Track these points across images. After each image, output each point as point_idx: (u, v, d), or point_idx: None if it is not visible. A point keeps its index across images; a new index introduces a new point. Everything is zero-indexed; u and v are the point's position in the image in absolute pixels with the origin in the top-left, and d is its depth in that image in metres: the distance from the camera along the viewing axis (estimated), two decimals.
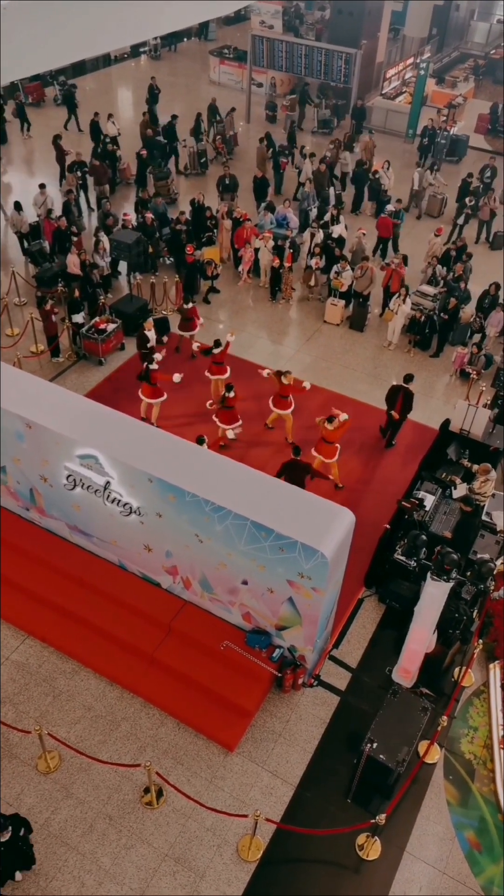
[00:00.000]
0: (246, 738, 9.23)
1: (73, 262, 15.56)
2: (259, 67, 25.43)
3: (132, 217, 17.30)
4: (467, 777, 9.10)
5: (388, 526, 10.97)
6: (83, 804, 8.57)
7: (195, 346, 13.78)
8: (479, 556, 10.63)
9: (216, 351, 13.05)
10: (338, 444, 11.83)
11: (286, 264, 16.43)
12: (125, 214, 17.30)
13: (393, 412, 12.82)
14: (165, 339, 14.30)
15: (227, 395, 12.23)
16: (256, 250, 16.81)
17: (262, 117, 25.35)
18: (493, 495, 11.51)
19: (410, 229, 19.00)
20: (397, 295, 15.24)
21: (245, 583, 9.18)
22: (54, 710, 9.37)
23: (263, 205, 18.44)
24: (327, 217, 17.92)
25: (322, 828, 8.44)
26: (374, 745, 8.33)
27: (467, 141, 23.72)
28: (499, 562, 10.52)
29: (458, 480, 11.59)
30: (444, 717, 8.85)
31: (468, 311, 15.65)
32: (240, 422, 12.76)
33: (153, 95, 23.60)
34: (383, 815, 7.85)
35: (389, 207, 18.27)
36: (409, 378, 12.63)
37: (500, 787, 8.95)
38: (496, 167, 20.44)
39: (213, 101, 23.32)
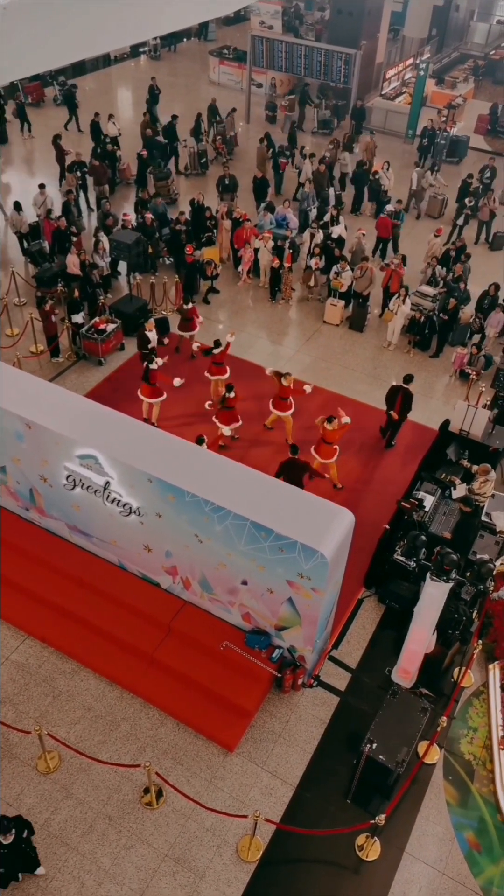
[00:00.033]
0: (245, 738, 9.23)
1: (72, 263, 15.57)
2: (259, 68, 25.42)
3: (132, 217, 17.30)
4: (467, 778, 9.10)
5: (387, 526, 10.98)
6: (83, 804, 8.57)
7: (195, 346, 13.79)
8: (478, 556, 10.63)
9: (216, 351, 13.05)
10: (336, 446, 11.84)
11: (286, 265, 16.43)
12: (125, 214, 17.31)
13: (392, 412, 12.83)
14: (166, 340, 14.31)
15: (227, 395, 12.23)
16: (256, 250, 16.82)
17: (262, 118, 25.35)
18: (493, 496, 11.52)
19: (410, 230, 19.01)
20: (397, 295, 15.24)
21: (245, 583, 9.18)
22: (54, 711, 9.37)
23: (263, 205, 18.45)
24: (327, 217, 17.93)
25: (322, 828, 8.44)
26: (374, 745, 8.34)
27: (468, 142, 23.72)
28: (498, 562, 10.52)
29: (457, 481, 11.60)
30: (444, 718, 8.86)
31: (468, 311, 15.66)
32: (240, 422, 12.77)
33: (153, 96, 23.60)
34: (383, 816, 7.85)
35: (389, 208, 18.27)
36: (408, 378, 12.63)
37: (499, 787, 8.96)
38: (496, 168, 20.45)
39: (213, 101, 23.33)
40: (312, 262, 16.48)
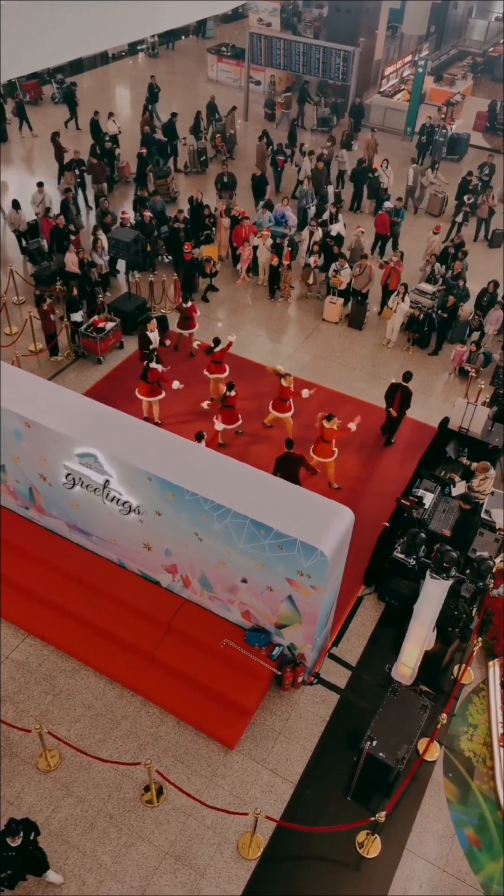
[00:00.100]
0: (246, 736, 9.24)
1: (71, 261, 15.55)
2: (257, 65, 25.38)
3: (130, 215, 17.30)
4: (467, 775, 9.12)
5: (387, 524, 10.98)
6: (83, 802, 8.58)
7: (196, 344, 13.78)
8: (478, 553, 10.63)
9: (218, 349, 13.05)
10: (335, 447, 11.83)
11: (285, 262, 16.41)
12: (123, 213, 17.30)
13: (391, 410, 12.83)
14: (168, 342, 14.30)
15: (228, 393, 12.23)
16: (255, 248, 16.81)
17: (261, 115, 25.31)
18: (492, 493, 11.52)
19: (409, 227, 18.98)
20: (396, 293, 15.23)
21: (244, 581, 9.19)
22: (54, 709, 9.38)
23: (262, 203, 18.44)
24: (326, 215, 17.92)
25: (322, 825, 8.45)
26: (374, 742, 8.35)
27: (468, 139, 23.70)
28: (498, 559, 10.53)
29: (457, 478, 11.60)
30: (444, 715, 8.86)
31: (467, 308, 15.66)
32: (240, 421, 12.78)
33: (153, 94, 23.57)
34: (383, 813, 7.86)
35: (388, 205, 18.25)
36: (407, 376, 12.63)
37: (499, 784, 8.97)
38: (494, 165, 20.43)
39: (212, 99, 23.30)
40: (311, 260, 16.46)
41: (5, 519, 11.02)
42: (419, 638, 9.31)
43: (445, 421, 12.99)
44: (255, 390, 13.67)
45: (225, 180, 19.14)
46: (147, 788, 8.63)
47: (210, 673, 9.47)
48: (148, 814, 8.54)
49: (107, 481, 9.43)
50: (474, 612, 10.14)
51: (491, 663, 10.14)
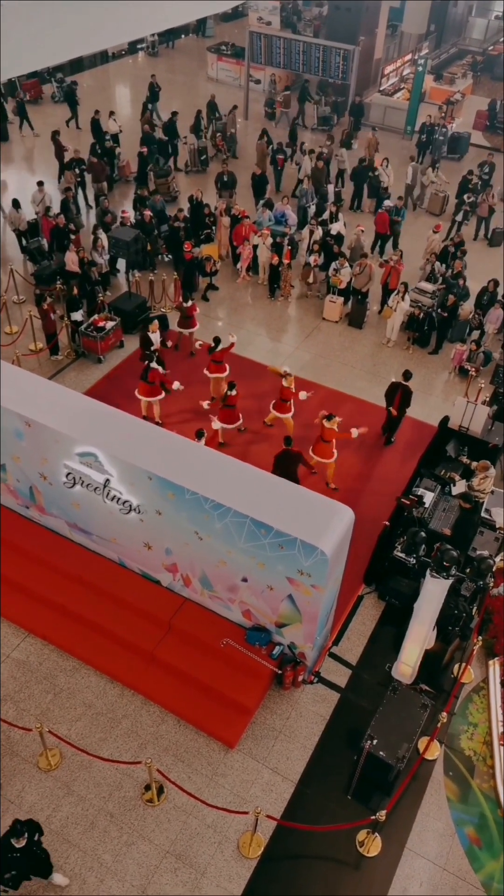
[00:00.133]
0: (246, 735, 9.24)
1: (71, 260, 15.55)
2: (257, 64, 25.37)
3: (130, 214, 17.30)
4: (467, 773, 9.12)
5: (387, 523, 10.99)
6: (84, 801, 8.59)
7: (198, 344, 13.78)
8: (478, 552, 10.64)
9: (219, 349, 13.06)
10: (334, 448, 11.83)
11: (285, 261, 16.41)
12: (123, 212, 17.30)
13: (391, 409, 12.83)
14: (170, 343, 14.30)
15: (229, 392, 12.24)
16: (255, 247, 16.80)
17: (261, 114, 25.29)
18: (493, 492, 11.52)
19: (409, 226, 18.97)
20: (396, 292, 15.23)
21: (245, 580, 9.19)
22: (55, 708, 9.39)
23: (262, 202, 18.44)
24: (326, 214, 17.91)
25: (322, 824, 8.45)
26: (374, 741, 8.35)
27: (468, 138, 23.69)
28: (498, 558, 10.53)
29: (457, 477, 11.60)
30: (444, 714, 8.87)
31: (467, 307, 15.65)
32: (240, 420, 12.78)
33: (154, 93, 23.56)
34: (383, 812, 7.86)
35: (388, 203, 18.25)
36: (407, 375, 12.63)
37: (499, 783, 8.98)
38: (494, 163, 20.42)
39: (213, 97, 23.29)
40: (311, 259, 16.45)
41: (5, 518, 11.02)
42: (419, 637, 9.32)
43: (445, 420, 12.99)
44: (256, 390, 13.67)
45: (225, 179, 19.14)
46: (148, 787, 8.64)
47: (210, 672, 9.48)
48: (148, 813, 8.55)
49: (107, 480, 9.44)
50: (474, 610, 10.15)
51: (491, 662, 10.15)
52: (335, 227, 17.19)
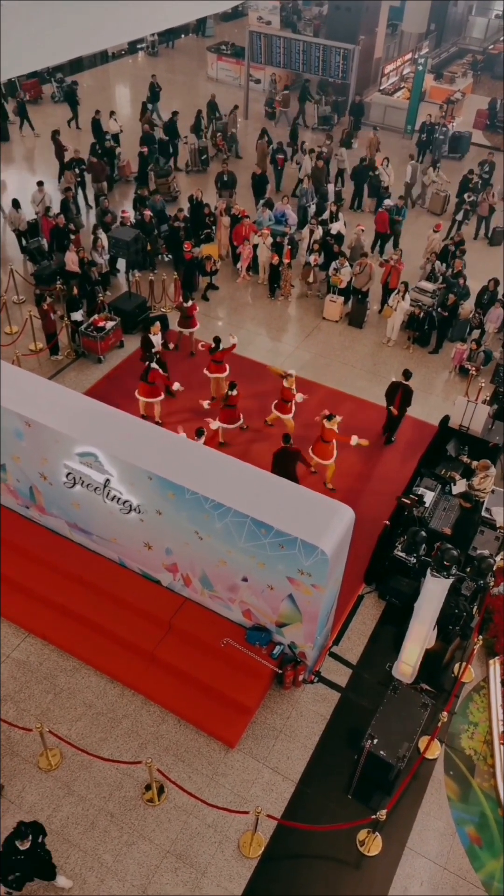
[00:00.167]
0: (247, 734, 9.24)
1: (71, 260, 15.55)
2: (257, 64, 25.37)
3: (130, 214, 17.29)
4: (468, 773, 9.12)
5: (387, 522, 10.98)
6: (84, 801, 8.59)
7: (200, 346, 13.77)
8: (478, 552, 10.63)
9: (223, 348, 13.07)
10: (334, 448, 11.82)
11: (285, 261, 16.40)
12: (123, 212, 17.31)
13: (392, 408, 12.83)
14: (172, 345, 14.28)
15: (230, 393, 12.24)
16: (255, 247, 16.80)
17: (261, 114, 25.29)
18: (493, 491, 11.52)
19: (409, 225, 18.97)
20: (396, 291, 15.23)
21: (245, 580, 9.19)
22: (55, 708, 9.39)
23: (262, 201, 18.44)
24: (326, 214, 17.91)
25: (323, 824, 8.45)
26: (375, 741, 8.35)
27: (470, 137, 23.68)
28: (498, 558, 10.53)
29: (457, 477, 11.60)
30: (445, 713, 8.87)
31: (467, 307, 15.64)
32: (241, 420, 12.78)
33: (154, 94, 23.56)
34: (384, 811, 7.86)
35: (388, 203, 18.24)
36: (407, 375, 12.63)
37: (500, 782, 8.97)
38: (494, 162, 20.41)
39: (213, 97, 23.29)
40: (311, 259, 16.45)
41: (6, 518, 11.02)
42: (420, 636, 9.32)
43: (446, 419, 12.98)
44: (256, 389, 13.67)
45: (225, 179, 19.14)
46: (148, 787, 8.64)
47: (211, 672, 9.48)
48: (149, 812, 8.55)
49: (107, 480, 9.44)
50: (475, 610, 10.14)
51: (491, 661, 10.15)
52: (335, 227, 17.19)
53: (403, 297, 15.06)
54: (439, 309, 15.29)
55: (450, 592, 9.16)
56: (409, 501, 10.95)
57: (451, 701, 9.57)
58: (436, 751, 9.19)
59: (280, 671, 9.47)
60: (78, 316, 14.59)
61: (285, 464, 11.12)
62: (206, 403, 13.50)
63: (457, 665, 10.06)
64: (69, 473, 9.77)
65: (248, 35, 24.81)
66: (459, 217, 19.16)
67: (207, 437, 11.43)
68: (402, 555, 10.54)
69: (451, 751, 9.30)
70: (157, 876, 8.06)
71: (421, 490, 11.41)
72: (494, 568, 10.15)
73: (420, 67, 23.87)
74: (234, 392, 12.23)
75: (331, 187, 19.38)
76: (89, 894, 7.89)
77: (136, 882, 8.00)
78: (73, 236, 16.19)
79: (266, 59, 25.02)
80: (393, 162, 20.10)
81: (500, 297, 15.36)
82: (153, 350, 13.22)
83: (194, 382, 13.57)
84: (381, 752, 8.35)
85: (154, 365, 12.48)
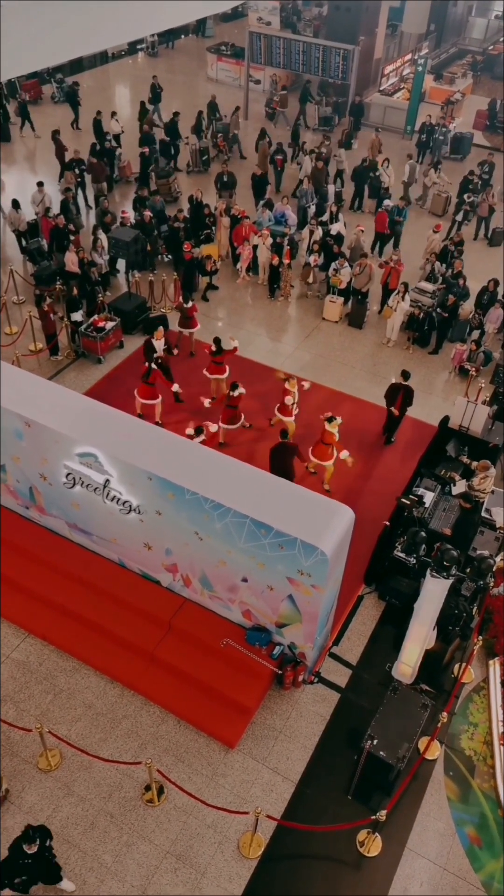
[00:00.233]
0: (246, 735, 9.24)
1: (71, 261, 15.55)
2: (257, 64, 25.38)
3: (130, 215, 17.29)
4: (467, 773, 9.12)
5: (387, 523, 10.98)
6: (84, 802, 8.59)
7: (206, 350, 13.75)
8: (478, 552, 10.63)
9: (225, 350, 13.07)
10: (334, 451, 11.82)
11: (285, 261, 16.41)
12: (123, 212, 17.30)
13: (393, 409, 12.83)
14: (176, 351, 14.27)
15: (231, 393, 12.24)
16: (255, 248, 16.80)
17: (262, 115, 25.29)
18: (493, 492, 11.52)
19: (409, 226, 18.97)
20: (396, 292, 15.23)
21: (245, 580, 9.19)
22: (55, 708, 9.38)
23: (262, 202, 18.44)
24: (326, 214, 17.91)
25: (323, 824, 8.45)
26: (375, 741, 8.35)
27: (471, 138, 23.68)
28: (498, 558, 10.52)
29: (457, 477, 11.60)
30: (445, 714, 8.86)
31: (467, 307, 15.65)
32: (241, 420, 12.78)
33: (155, 94, 23.57)
34: (384, 812, 7.85)
35: (388, 203, 18.25)
36: (406, 375, 12.62)
37: (500, 783, 8.97)
38: (494, 163, 20.42)
39: (213, 98, 23.30)
40: (311, 259, 16.46)
41: (5, 519, 11.02)
42: (420, 637, 9.32)
43: (445, 420, 12.99)
44: (255, 390, 13.65)
45: (225, 179, 19.15)
46: (148, 788, 8.63)
47: (210, 672, 9.48)
48: (149, 813, 8.55)
49: (107, 481, 9.44)
50: (475, 610, 10.14)
51: (491, 662, 10.15)
52: (335, 228, 17.19)
53: (403, 298, 15.07)
54: (439, 309, 15.30)
55: (450, 593, 9.16)
56: (408, 502, 10.95)
57: (450, 701, 9.57)
58: (436, 751, 9.19)
59: (280, 672, 9.46)
60: (78, 316, 14.59)
61: (283, 459, 11.15)
62: (207, 402, 13.49)
63: (457, 666, 10.06)
64: (69, 474, 9.77)
65: (247, 36, 24.82)
66: (459, 217, 19.16)
67: (207, 438, 11.41)
68: (402, 555, 10.54)
69: (451, 751, 9.29)
70: (157, 876, 8.05)
71: (421, 490, 11.41)
72: (494, 568, 10.15)
73: (420, 68, 23.87)
74: (236, 393, 12.22)
75: (331, 188, 19.38)
76: (89, 895, 7.89)
77: (136, 882, 7.99)
78: (72, 237, 16.19)
79: (266, 60, 25.03)
80: (393, 163, 20.10)
81: (499, 297, 15.36)
82: (155, 355, 13.18)
83: (194, 382, 13.57)
84: (381, 753, 8.35)
85: (154, 367, 12.45)
